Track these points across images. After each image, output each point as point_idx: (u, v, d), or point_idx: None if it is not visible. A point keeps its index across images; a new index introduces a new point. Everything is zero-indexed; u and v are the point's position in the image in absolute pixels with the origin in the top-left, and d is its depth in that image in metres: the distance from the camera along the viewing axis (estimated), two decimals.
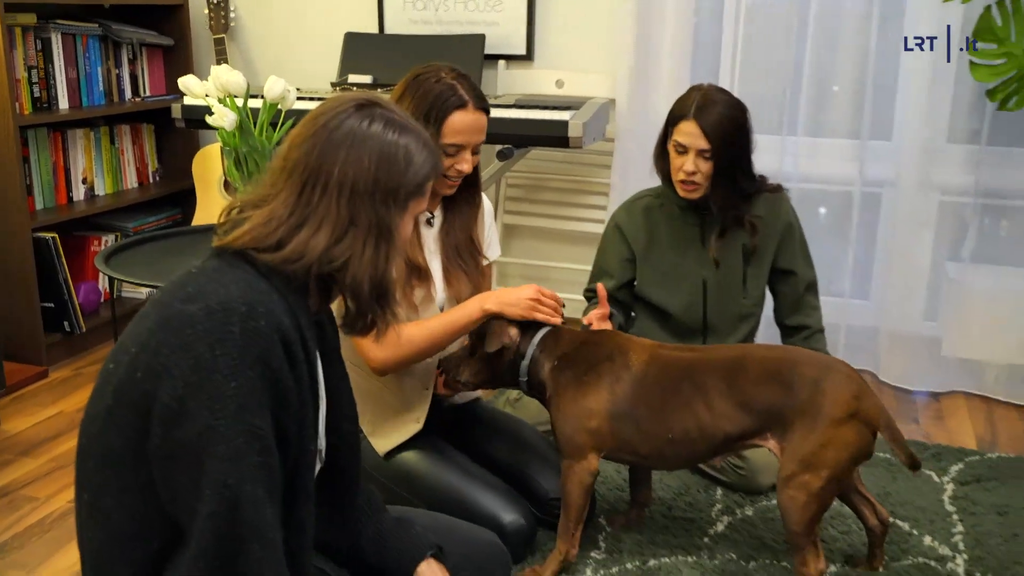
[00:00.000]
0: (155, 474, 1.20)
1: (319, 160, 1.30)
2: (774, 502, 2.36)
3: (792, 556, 1.91)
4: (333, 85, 3.48)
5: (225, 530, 1.16)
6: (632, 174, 3.25)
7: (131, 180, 3.82)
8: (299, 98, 2.76)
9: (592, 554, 2.12)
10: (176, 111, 3.37)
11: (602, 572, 2.06)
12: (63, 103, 3.44)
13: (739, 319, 2.45)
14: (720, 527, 2.26)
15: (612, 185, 3.37)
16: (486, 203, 2.24)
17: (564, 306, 2.04)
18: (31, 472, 2.57)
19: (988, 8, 2.56)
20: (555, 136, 2.96)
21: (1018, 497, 2.42)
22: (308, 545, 1.39)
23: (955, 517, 2.32)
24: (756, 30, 3.24)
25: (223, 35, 3.71)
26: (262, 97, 2.36)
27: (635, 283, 2.51)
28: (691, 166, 2.27)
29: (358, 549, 1.59)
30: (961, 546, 2.19)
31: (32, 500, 2.42)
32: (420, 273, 2.05)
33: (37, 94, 3.33)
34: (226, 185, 3.51)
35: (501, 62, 3.53)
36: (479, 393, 2.35)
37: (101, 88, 3.62)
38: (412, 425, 2.12)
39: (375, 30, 3.68)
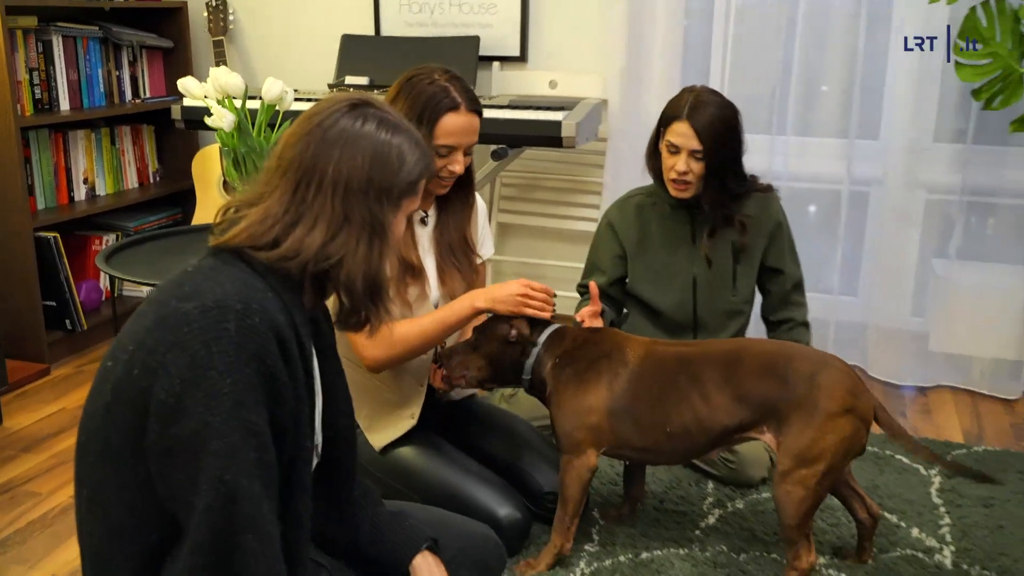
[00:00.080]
0: (152, 470, 1.21)
1: (313, 158, 1.30)
2: (764, 495, 2.38)
3: (784, 549, 1.92)
4: (330, 86, 3.48)
5: (222, 525, 1.17)
6: (624, 173, 3.26)
7: (132, 180, 3.83)
8: (296, 99, 2.74)
9: (586, 547, 2.13)
10: (176, 112, 3.38)
11: (595, 565, 2.06)
12: (64, 104, 3.45)
13: (728, 316, 2.46)
14: (711, 520, 2.27)
15: (605, 184, 3.39)
16: (479, 202, 2.24)
17: (555, 296, 2.04)
18: (33, 468, 2.58)
19: (973, 9, 2.58)
20: (549, 136, 2.97)
21: (1003, 489, 2.43)
22: (305, 538, 1.39)
23: (942, 509, 2.33)
24: (746, 31, 3.25)
25: (222, 37, 3.72)
26: (260, 98, 2.36)
27: (627, 280, 2.52)
28: (683, 166, 2.29)
29: (355, 542, 1.60)
30: (948, 538, 2.20)
31: (34, 495, 2.43)
32: (414, 271, 2.05)
33: (38, 96, 3.34)
34: (225, 185, 3.52)
35: (495, 63, 3.54)
36: (475, 389, 2.35)
37: (102, 90, 3.63)
38: (407, 421, 2.13)
39: (371, 32, 3.69)
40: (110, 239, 3.64)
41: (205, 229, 2.86)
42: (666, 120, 2.33)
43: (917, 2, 2.89)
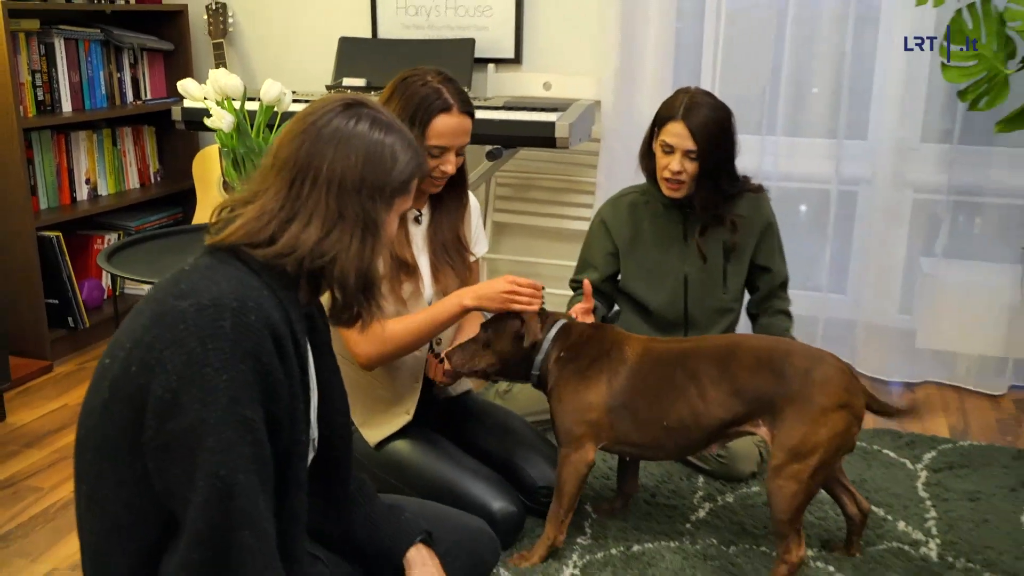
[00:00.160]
0: (150, 466, 1.21)
1: (308, 156, 1.31)
2: (754, 489, 2.40)
3: (775, 542, 1.93)
4: (328, 88, 3.48)
5: (218, 519, 1.17)
6: (617, 173, 3.27)
7: (133, 180, 3.85)
8: (295, 100, 2.75)
9: (578, 540, 2.15)
10: (176, 113, 3.38)
11: (588, 557, 2.08)
12: (66, 106, 3.47)
13: (719, 313, 2.49)
14: (702, 513, 2.29)
15: (598, 184, 3.39)
16: (473, 201, 2.25)
17: (543, 289, 2.04)
18: (35, 463, 2.60)
19: (959, 11, 2.60)
20: (543, 137, 2.97)
21: (989, 484, 2.45)
22: (301, 533, 1.40)
23: (928, 503, 2.35)
24: (736, 32, 3.26)
25: (221, 40, 3.73)
26: (259, 99, 2.37)
27: (619, 277, 2.55)
28: (677, 166, 2.31)
29: (350, 535, 1.60)
30: (934, 531, 2.22)
31: (36, 490, 2.45)
32: (409, 269, 2.06)
33: (41, 97, 3.36)
34: (225, 185, 3.51)
35: (490, 65, 3.55)
36: (470, 385, 2.37)
37: (103, 91, 3.65)
38: (402, 417, 2.14)
39: (368, 35, 3.70)
40: (112, 238, 3.66)
41: (205, 228, 2.89)
42: (661, 120, 2.35)
43: (905, 4, 2.90)
